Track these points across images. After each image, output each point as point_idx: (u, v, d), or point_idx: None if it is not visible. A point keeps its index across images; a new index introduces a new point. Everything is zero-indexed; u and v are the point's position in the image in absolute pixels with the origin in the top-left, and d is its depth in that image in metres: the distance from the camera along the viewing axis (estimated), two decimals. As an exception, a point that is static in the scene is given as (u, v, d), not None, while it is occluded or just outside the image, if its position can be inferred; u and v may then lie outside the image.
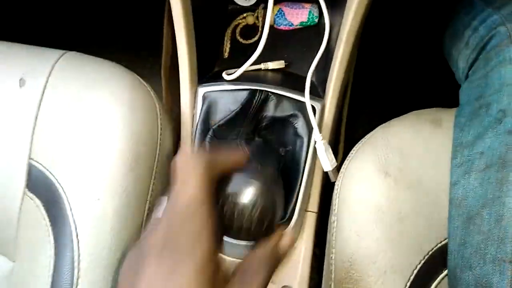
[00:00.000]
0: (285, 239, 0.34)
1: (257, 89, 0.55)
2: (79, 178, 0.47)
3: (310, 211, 0.55)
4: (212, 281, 0.28)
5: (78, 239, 0.44)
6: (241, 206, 0.33)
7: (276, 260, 0.33)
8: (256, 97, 0.54)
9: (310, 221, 0.54)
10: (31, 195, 0.48)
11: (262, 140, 0.54)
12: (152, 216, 0.45)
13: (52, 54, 0.55)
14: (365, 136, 0.52)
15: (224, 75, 0.58)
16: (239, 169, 0.34)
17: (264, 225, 0.34)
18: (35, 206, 0.47)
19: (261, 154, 0.52)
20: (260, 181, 0.34)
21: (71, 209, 0.45)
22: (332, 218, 0.48)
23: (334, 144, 0.70)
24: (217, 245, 0.30)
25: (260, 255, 0.32)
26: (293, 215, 0.52)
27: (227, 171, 0.34)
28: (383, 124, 0.52)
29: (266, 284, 0.31)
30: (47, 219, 0.47)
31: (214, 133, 0.54)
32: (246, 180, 0.34)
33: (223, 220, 0.33)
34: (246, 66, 0.55)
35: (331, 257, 0.47)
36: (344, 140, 0.76)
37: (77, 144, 0.48)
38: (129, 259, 0.30)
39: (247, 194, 0.33)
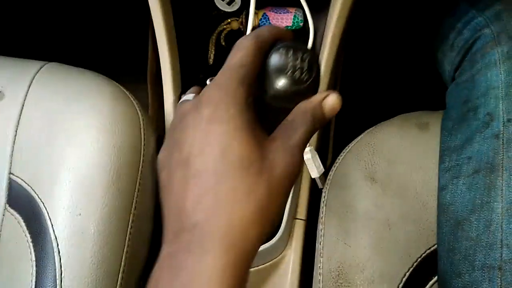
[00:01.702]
0: (332, 97, 0.31)
1: None
2: (59, 193, 0.45)
3: (298, 219, 0.54)
4: (253, 127, 0.27)
5: (60, 256, 0.43)
6: (291, 52, 0.31)
7: (320, 119, 0.30)
8: None
9: (299, 229, 0.54)
10: (11, 211, 0.47)
11: None
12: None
13: (32, 65, 0.54)
14: (352, 142, 0.51)
15: (208, 82, 0.57)
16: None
17: (312, 75, 0.32)
18: (16, 222, 0.46)
19: None
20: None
21: (52, 225, 0.44)
22: (320, 226, 0.48)
23: (322, 149, 0.70)
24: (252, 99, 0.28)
25: (304, 107, 0.30)
26: (281, 223, 0.52)
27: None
28: (370, 129, 0.51)
29: (307, 140, 0.29)
30: (28, 236, 0.45)
31: None
32: (294, 42, 0.33)
33: (273, 72, 0.31)
34: (230, 73, 0.54)
35: (319, 266, 0.46)
36: (332, 145, 0.75)
37: (58, 158, 0.47)
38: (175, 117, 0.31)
39: (299, 47, 0.32)
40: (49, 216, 0.45)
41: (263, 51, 0.30)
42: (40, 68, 0.54)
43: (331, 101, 0.30)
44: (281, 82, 0.31)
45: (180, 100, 0.34)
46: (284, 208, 0.27)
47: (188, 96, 0.33)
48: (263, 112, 0.34)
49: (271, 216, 0.27)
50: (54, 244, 0.44)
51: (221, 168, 0.26)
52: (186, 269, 0.25)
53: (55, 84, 0.53)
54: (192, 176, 0.26)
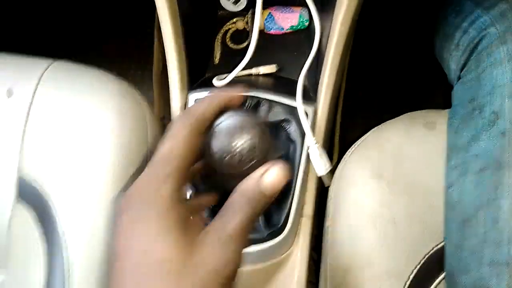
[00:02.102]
0: (271, 173, 0.28)
1: (247, 96, 0.54)
2: (68, 190, 0.46)
3: (305, 216, 0.54)
4: (180, 225, 0.25)
5: (68, 252, 0.44)
6: (233, 136, 0.30)
7: (259, 199, 0.27)
8: (247, 103, 0.54)
9: (306, 226, 0.54)
10: (21, 206, 0.47)
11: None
12: None
13: (40, 63, 0.54)
14: (358, 140, 0.52)
15: (214, 81, 0.58)
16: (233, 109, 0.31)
17: (255, 155, 0.30)
18: (26, 217, 0.47)
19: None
20: (253, 117, 0.31)
21: (61, 221, 0.45)
22: (327, 223, 0.48)
23: (328, 147, 0.70)
24: (182, 193, 0.27)
25: (241, 189, 0.28)
26: (288, 221, 0.52)
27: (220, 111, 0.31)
28: (376, 127, 0.52)
29: (250, 223, 0.27)
30: (38, 231, 0.46)
31: None
32: (240, 114, 0.30)
33: (211, 154, 0.30)
34: (236, 72, 0.55)
35: (326, 263, 0.46)
36: (339, 143, 0.75)
37: (66, 155, 0.47)
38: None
39: (240, 124, 0.30)
40: (58, 213, 0.45)
41: (200, 132, 0.29)
42: (48, 66, 0.54)
43: (270, 177, 0.27)
44: (221, 166, 0.29)
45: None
46: None
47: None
48: (215, 179, 0.32)
49: None
50: (63, 239, 0.44)
51: (140, 273, 0.24)
52: None
53: (63, 82, 0.54)
54: (115, 280, 0.25)
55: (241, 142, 0.29)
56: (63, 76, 0.55)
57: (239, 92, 0.31)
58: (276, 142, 0.54)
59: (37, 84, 0.52)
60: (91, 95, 0.52)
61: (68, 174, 0.47)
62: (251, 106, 0.54)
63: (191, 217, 0.27)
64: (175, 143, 0.27)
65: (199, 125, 0.29)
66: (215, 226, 0.27)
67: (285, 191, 0.52)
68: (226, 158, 0.29)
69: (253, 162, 0.30)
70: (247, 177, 0.28)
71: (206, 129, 0.30)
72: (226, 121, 0.30)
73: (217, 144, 0.29)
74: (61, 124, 0.49)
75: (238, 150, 0.29)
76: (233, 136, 0.29)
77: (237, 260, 0.26)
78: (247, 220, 0.27)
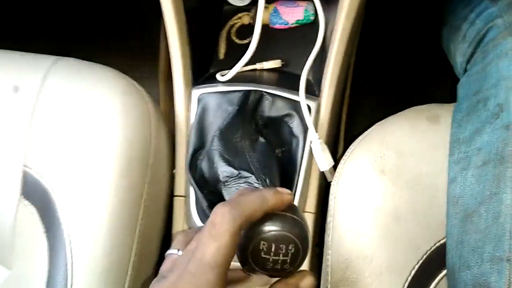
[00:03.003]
0: (307, 280, 0.32)
1: (251, 90, 0.54)
2: (72, 185, 0.46)
3: (307, 212, 0.54)
4: None
5: (71, 246, 0.44)
6: (275, 243, 0.30)
7: None
8: (250, 98, 0.54)
9: (308, 222, 0.53)
10: (26, 202, 0.48)
11: (265, 141, 0.53)
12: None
13: (45, 60, 0.55)
14: (362, 135, 0.51)
15: (218, 76, 0.58)
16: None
17: (295, 265, 0.31)
18: (31, 213, 0.47)
19: (265, 158, 0.51)
20: (298, 220, 0.32)
21: (64, 217, 0.45)
22: (328, 218, 0.48)
23: (334, 142, 0.69)
24: None
25: None
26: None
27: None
28: (380, 122, 0.51)
29: None
30: (42, 226, 0.47)
31: (219, 138, 0.53)
32: (285, 216, 0.31)
33: (253, 254, 0.31)
34: (239, 67, 0.55)
35: (328, 258, 0.46)
36: (344, 139, 0.75)
37: (71, 150, 0.48)
38: None
39: (286, 227, 0.31)
40: (61, 207, 0.46)
41: (243, 231, 0.29)
42: (54, 63, 0.55)
43: (307, 283, 0.31)
44: (260, 271, 0.31)
45: (166, 253, 0.34)
46: None
47: (174, 250, 0.33)
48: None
49: None
50: (66, 235, 0.45)
51: None
52: None
53: (68, 78, 0.54)
54: None
55: (285, 251, 0.30)
56: (68, 72, 0.56)
57: (288, 196, 0.32)
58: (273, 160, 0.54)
59: (43, 80, 0.52)
60: (96, 92, 0.53)
61: (72, 170, 0.47)
62: (255, 100, 0.54)
63: None
64: (221, 247, 0.28)
65: (244, 224, 0.29)
66: None
67: (288, 186, 0.52)
68: (268, 266, 0.30)
69: (291, 269, 0.31)
70: (284, 281, 0.31)
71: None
72: (269, 234, 0.30)
73: (260, 254, 0.30)
74: (67, 120, 0.50)
75: (281, 260, 0.30)
76: (279, 245, 0.29)
77: None
78: None
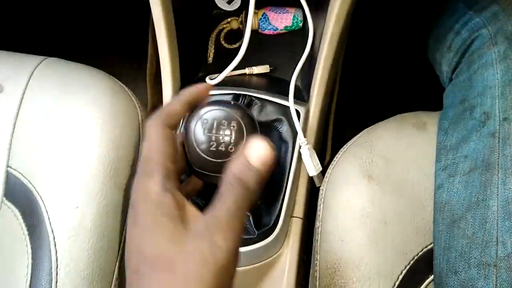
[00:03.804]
0: (256, 144, 0.27)
1: (240, 94, 0.54)
2: (57, 186, 0.45)
3: (295, 217, 0.54)
4: (170, 217, 0.26)
5: (56, 249, 0.43)
6: (219, 126, 0.29)
7: (253, 172, 0.26)
8: (239, 102, 0.54)
9: (296, 227, 0.54)
10: (8, 204, 0.47)
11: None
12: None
13: (31, 60, 0.54)
14: (350, 140, 0.51)
15: (207, 79, 0.58)
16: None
17: (242, 142, 0.29)
18: (13, 215, 0.46)
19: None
20: (236, 102, 0.32)
21: (49, 218, 0.44)
22: (317, 224, 0.48)
23: (321, 148, 0.70)
24: (171, 184, 0.27)
25: (230, 169, 0.27)
26: (278, 221, 0.52)
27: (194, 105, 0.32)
28: (368, 128, 0.52)
29: (243, 204, 0.26)
30: (24, 229, 0.45)
31: None
32: (223, 105, 0.31)
33: (197, 146, 0.30)
34: (228, 71, 0.55)
35: (316, 263, 0.46)
36: (331, 144, 0.75)
37: (56, 151, 0.47)
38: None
39: (225, 114, 0.30)
40: (46, 209, 0.45)
41: (171, 126, 0.29)
42: (40, 63, 0.54)
43: (256, 150, 0.27)
44: (201, 161, 0.29)
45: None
46: None
47: None
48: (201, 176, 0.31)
49: None
50: (51, 237, 0.44)
51: (139, 272, 0.26)
52: None
53: (54, 79, 0.53)
54: (127, 279, 0.27)
55: (228, 131, 0.29)
56: (54, 72, 0.55)
57: (206, 86, 0.32)
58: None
59: (28, 80, 0.51)
60: (81, 92, 0.52)
61: (57, 171, 0.46)
62: (244, 104, 0.54)
63: (188, 206, 0.27)
64: (151, 141, 0.28)
65: (169, 119, 0.29)
66: (207, 213, 0.27)
67: (276, 191, 0.52)
68: (210, 149, 0.29)
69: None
70: (233, 158, 0.28)
71: (189, 123, 0.30)
72: (210, 113, 0.30)
73: (202, 135, 0.29)
74: (51, 121, 0.49)
75: (226, 138, 0.29)
76: (219, 125, 0.29)
77: (230, 248, 0.25)
78: (240, 202, 0.26)
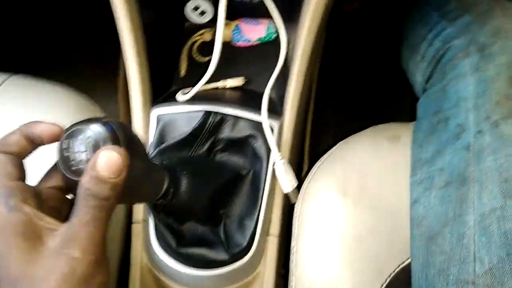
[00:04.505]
0: (101, 153, 0.27)
1: (210, 111, 0.53)
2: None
3: (271, 235, 0.52)
4: (21, 237, 0.26)
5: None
6: (74, 145, 0.29)
7: (101, 180, 0.26)
8: (210, 119, 0.52)
9: (272, 245, 0.52)
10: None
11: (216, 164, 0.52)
12: None
13: None
14: (324, 155, 0.50)
15: (178, 95, 0.56)
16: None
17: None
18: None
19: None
20: (92, 118, 0.30)
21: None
22: (292, 243, 0.46)
23: (298, 160, 0.68)
24: (16, 203, 0.27)
25: (81, 183, 0.27)
26: (253, 241, 0.50)
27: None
28: (341, 142, 0.51)
29: (98, 214, 0.26)
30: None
31: (161, 153, 0.51)
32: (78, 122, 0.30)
33: (61, 168, 0.29)
34: (199, 86, 0.53)
35: (292, 285, 0.45)
36: (309, 156, 0.74)
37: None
38: None
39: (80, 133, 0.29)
40: None
41: (14, 155, 0.29)
42: (4, 81, 0.52)
43: (101, 158, 0.27)
44: (69, 182, 0.28)
45: None
46: None
47: None
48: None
49: None
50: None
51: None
52: None
53: (18, 97, 0.52)
54: None
55: (83, 147, 0.28)
56: (19, 91, 0.53)
57: (49, 127, 0.31)
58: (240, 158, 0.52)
59: (-10, 99, 0.49)
60: (47, 111, 0.50)
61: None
62: (214, 122, 0.53)
63: (39, 221, 0.27)
64: None
65: (4, 148, 0.29)
66: (61, 229, 0.26)
67: (250, 209, 0.51)
68: (73, 167, 0.28)
69: None
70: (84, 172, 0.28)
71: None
72: (69, 133, 0.29)
73: (62, 156, 0.29)
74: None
75: (82, 155, 0.28)
76: (75, 143, 0.28)
77: (89, 259, 0.26)
78: (95, 212, 0.26)
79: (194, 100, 0.55)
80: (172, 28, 0.67)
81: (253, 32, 0.66)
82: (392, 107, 0.84)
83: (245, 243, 0.49)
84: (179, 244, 0.49)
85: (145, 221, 0.52)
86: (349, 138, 0.50)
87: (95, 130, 0.29)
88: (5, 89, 0.52)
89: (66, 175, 0.29)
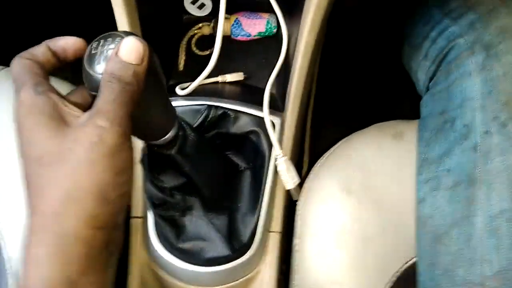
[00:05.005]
0: (125, 40, 0.28)
1: (212, 105, 0.52)
2: (14, 213, 0.42)
3: (273, 232, 0.52)
4: (48, 117, 0.26)
5: (12, 277, 0.40)
6: (99, 42, 0.29)
7: (124, 65, 0.27)
8: (211, 114, 0.51)
9: (274, 242, 0.51)
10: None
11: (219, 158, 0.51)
12: None
13: None
14: (327, 152, 0.50)
15: (177, 89, 0.55)
16: None
17: None
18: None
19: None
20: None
21: (6, 246, 0.41)
22: (295, 240, 0.46)
23: (298, 157, 0.68)
24: (43, 88, 0.28)
25: (104, 69, 0.28)
26: (255, 237, 0.49)
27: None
28: (345, 139, 0.50)
29: (121, 95, 0.27)
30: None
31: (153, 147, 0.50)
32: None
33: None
34: (199, 80, 0.52)
35: (294, 283, 0.44)
36: (309, 153, 0.74)
37: (11, 171, 0.44)
38: None
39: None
40: (2, 237, 0.41)
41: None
42: (-4, 73, 0.50)
43: (124, 45, 0.28)
44: (92, 79, 0.29)
45: None
46: (125, 184, 0.26)
47: None
48: None
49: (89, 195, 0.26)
50: (8, 266, 0.40)
51: (27, 173, 0.27)
52: None
53: (9, 91, 0.50)
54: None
55: (113, 45, 0.29)
56: (9, 84, 0.51)
57: (74, 40, 0.32)
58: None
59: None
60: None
61: (13, 194, 0.43)
62: (215, 117, 0.52)
63: (64, 106, 0.28)
64: (15, 69, 0.28)
65: (29, 56, 0.29)
66: (89, 112, 0.27)
67: (252, 205, 0.50)
68: (95, 62, 0.29)
69: None
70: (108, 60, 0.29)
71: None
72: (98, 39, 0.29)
73: (89, 54, 0.29)
74: (5, 142, 0.46)
75: (110, 51, 0.29)
76: (105, 43, 0.29)
77: (116, 130, 0.26)
78: (119, 94, 0.27)
79: (193, 94, 0.54)
80: (170, 21, 0.65)
81: (253, 26, 0.66)
82: (393, 105, 0.84)
83: (246, 239, 0.48)
84: (179, 238, 0.49)
85: (144, 218, 0.51)
86: (352, 135, 0.50)
87: (125, 33, 0.29)
88: (-1, 81, 0.51)
89: (90, 73, 0.29)
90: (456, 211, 0.39)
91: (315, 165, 0.49)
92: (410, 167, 0.46)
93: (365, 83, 0.93)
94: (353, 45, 0.93)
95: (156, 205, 0.48)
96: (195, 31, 0.67)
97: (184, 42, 0.66)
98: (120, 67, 0.27)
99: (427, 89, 0.51)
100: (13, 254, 0.41)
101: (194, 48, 0.66)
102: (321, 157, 0.50)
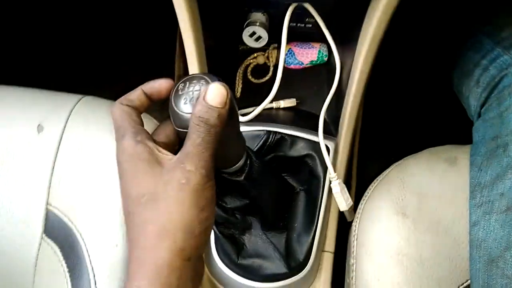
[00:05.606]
0: (210, 87, 0.31)
1: (270, 130, 0.55)
2: (97, 224, 0.47)
3: (326, 251, 0.54)
4: (146, 162, 0.31)
5: (96, 287, 0.44)
6: (186, 83, 0.33)
7: (211, 110, 0.31)
8: (270, 138, 0.55)
9: (327, 261, 0.54)
10: (48, 240, 0.48)
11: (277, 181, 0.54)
12: None
13: (69, 99, 0.56)
14: (380, 175, 0.52)
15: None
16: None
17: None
18: (53, 252, 0.47)
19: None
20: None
21: (89, 255, 0.45)
22: (351, 261, 0.48)
23: (346, 179, 0.70)
24: (141, 137, 0.32)
25: (192, 114, 0.31)
26: (310, 256, 0.52)
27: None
28: (397, 163, 0.52)
29: (200, 144, 0.30)
30: (64, 265, 0.46)
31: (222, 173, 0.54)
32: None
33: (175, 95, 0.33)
34: (261, 108, 0.56)
35: (352, 301, 0.46)
36: (356, 175, 0.76)
37: (94, 189, 0.48)
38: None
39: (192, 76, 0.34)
40: (86, 247, 0.46)
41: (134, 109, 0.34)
42: (78, 102, 0.56)
43: (210, 92, 0.31)
44: (179, 117, 0.32)
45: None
46: (208, 219, 0.31)
47: None
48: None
49: (184, 228, 0.30)
50: (91, 275, 0.44)
51: (129, 209, 0.31)
52: None
53: (91, 117, 0.55)
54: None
55: (198, 87, 0.32)
56: (91, 111, 0.56)
57: (165, 81, 0.35)
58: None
59: (67, 119, 0.53)
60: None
61: (96, 209, 0.48)
62: (274, 141, 0.55)
63: (158, 152, 0.32)
64: (116, 117, 0.33)
65: (127, 102, 0.34)
66: (179, 153, 0.31)
67: (307, 226, 0.53)
68: (185, 102, 0.33)
69: None
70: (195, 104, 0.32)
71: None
72: (181, 80, 0.33)
73: (177, 95, 0.33)
74: (89, 159, 0.51)
75: (195, 93, 0.32)
76: (190, 84, 0.33)
77: (201, 172, 0.30)
78: (205, 136, 0.31)
79: (252, 120, 0.58)
80: (229, 52, 0.70)
81: (305, 56, 0.69)
82: (441, 131, 0.84)
83: (302, 258, 0.51)
84: (239, 255, 0.52)
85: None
86: (404, 159, 0.52)
87: (208, 76, 0.33)
88: (79, 109, 0.56)
89: (179, 112, 0.32)
90: (510, 235, 0.40)
91: (370, 186, 0.51)
92: (464, 192, 0.47)
93: (414, 108, 0.94)
94: (404, 70, 0.94)
95: (218, 223, 0.52)
96: (251, 61, 0.71)
97: (240, 70, 0.70)
98: (207, 111, 0.31)
99: (479, 115, 0.53)
100: (96, 265, 0.45)
101: (249, 77, 0.70)
102: (375, 180, 0.52)
